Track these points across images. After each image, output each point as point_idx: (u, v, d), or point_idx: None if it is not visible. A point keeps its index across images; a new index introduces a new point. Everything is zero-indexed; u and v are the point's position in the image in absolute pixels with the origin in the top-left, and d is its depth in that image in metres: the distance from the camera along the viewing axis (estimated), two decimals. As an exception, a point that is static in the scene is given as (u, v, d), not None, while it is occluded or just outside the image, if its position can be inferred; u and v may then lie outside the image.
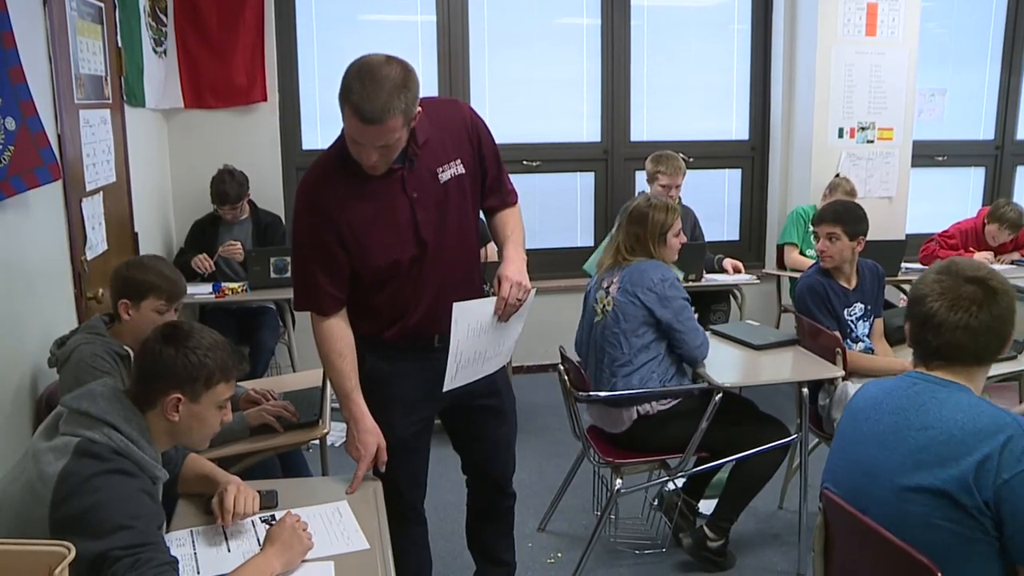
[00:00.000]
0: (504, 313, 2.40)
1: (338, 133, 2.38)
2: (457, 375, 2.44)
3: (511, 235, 2.58)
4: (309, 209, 2.41)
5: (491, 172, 2.58)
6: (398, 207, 2.40)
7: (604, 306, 3.39)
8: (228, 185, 4.83)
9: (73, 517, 1.71)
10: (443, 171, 2.44)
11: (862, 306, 3.76)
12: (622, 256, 3.39)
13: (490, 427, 2.77)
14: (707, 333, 3.52)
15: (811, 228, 5.42)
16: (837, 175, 5.66)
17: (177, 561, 1.80)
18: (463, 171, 2.48)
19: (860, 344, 3.73)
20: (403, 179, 2.39)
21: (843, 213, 3.71)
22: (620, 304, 3.31)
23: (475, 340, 2.41)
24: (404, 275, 2.45)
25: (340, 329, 2.47)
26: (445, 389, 2.43)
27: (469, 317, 2.36)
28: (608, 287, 3.39)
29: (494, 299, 2.40)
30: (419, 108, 2.28)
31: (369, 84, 2.15)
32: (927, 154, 6.53)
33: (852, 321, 3.72)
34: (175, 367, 1.89)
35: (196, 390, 1.92)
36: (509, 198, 2.65)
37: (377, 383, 2.52)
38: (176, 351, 1.90)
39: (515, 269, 2.44)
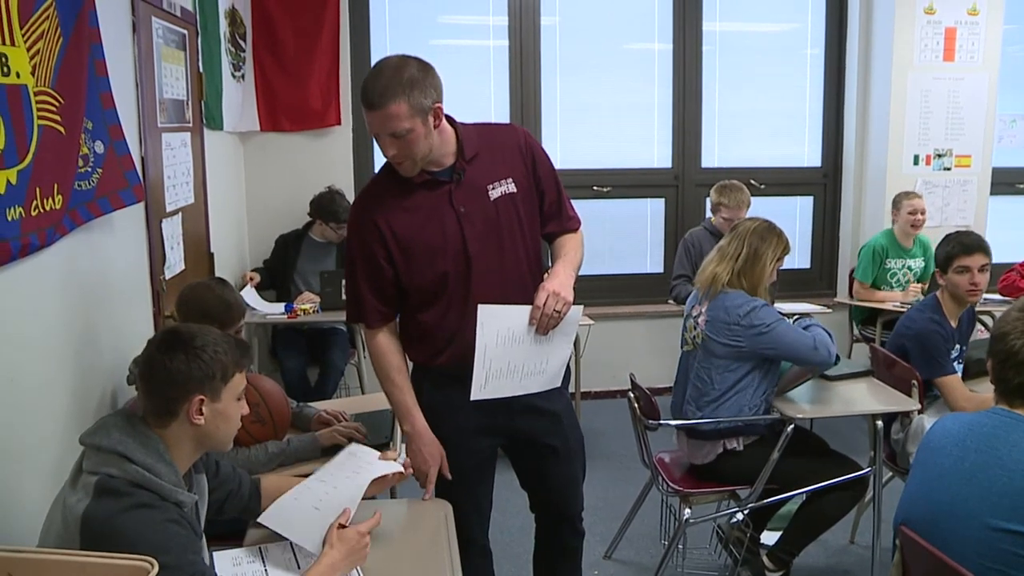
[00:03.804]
0: (540, 325, 2.33)
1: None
2: (487, 384, 2.37)
3: (565, 255, 2.52)
4: (358, 220, 2.45)
5: (549, 196, 2.54)
6: (446, 221, 2.40)
7: (695, 336, 3.35)
8: (340, 204, 4.97)
9: None
10: (493, 188, 2.44)
11: (959, 347, 3.57)
12: (726, 271, 3.28)
13: (556, 465, 2.69)
14: None
15: (897, 262, 5.29)
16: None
17: None
18: (515, 190, 2.46)
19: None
20: (450, 193, 2.40)
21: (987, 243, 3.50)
22: (709, 341, 3.26)
23: (507, 349, 2.34)
24: (451, 293, 2.43)
25: (396, 344, 2.52)
26: (473, 398, 2.36)
27: (497, 322, 2.31)
28: (698, 316, 3.34)
29: (528, 308, 2.34)
30: (439, 104, 2.30)
31: (375, 75, 2.27)
32: (1007, 181, 6.36)
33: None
34: (191, 371, 1.86)
35: (216, 387, 1.89)
36: (570, 224, 2.60)
37: (431, 416, 2.50)
38: (187, 355, 1.87)
39: (556, 282, 2.36)
